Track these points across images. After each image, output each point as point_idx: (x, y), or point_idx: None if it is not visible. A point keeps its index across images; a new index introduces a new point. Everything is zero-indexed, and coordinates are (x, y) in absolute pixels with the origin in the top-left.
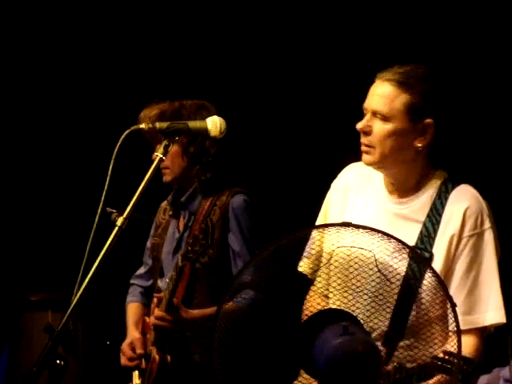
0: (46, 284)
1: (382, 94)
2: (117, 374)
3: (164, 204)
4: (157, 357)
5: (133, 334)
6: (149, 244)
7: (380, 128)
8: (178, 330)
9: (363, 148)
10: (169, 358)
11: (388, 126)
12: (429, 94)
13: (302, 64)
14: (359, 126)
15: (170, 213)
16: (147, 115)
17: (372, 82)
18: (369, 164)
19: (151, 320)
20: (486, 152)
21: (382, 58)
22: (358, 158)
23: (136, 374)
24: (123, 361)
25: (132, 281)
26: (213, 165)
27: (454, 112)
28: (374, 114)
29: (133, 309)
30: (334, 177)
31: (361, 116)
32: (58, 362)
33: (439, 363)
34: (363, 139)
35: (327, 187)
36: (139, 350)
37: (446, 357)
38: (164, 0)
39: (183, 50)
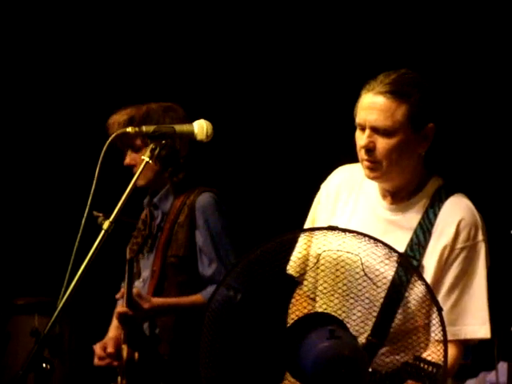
0: (32, 288)
1: (380, 108)
2: (103, 378)
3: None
4: (125, 354)
5: (109, 334)
6: None
7: (385, 143)
8: (143, 320)
9: (367, 164)
10: (136, 354)
11: (393, 141)
12: (426, 99)
13: (281, 61)
14: (362, 143)
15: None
16: (116, 121)
17: (354, 88)
18: (374, 179)
19: (116, 317)
20: (481, 158)
21: (364, 63)
22: (347, 160)
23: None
24: (95, 360)
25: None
26: (185, 165)
27: (451, 115)
28: (375, 129)
29: None
30: (322, 178)
31: (347, 117)
32: (44, 365)
33: (409, 369)
34: (366, 156)
35: (314, 188)
36: (110, 349)
37: (417, 362)
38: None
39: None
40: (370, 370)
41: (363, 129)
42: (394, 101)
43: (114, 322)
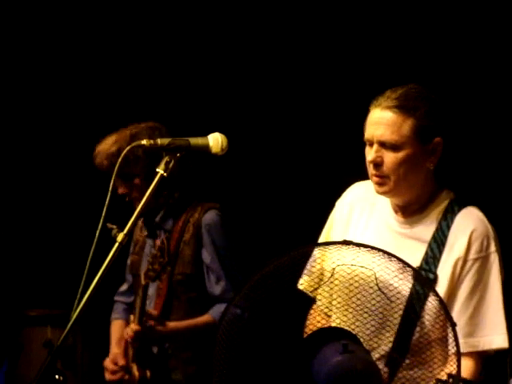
0: (45, 299)
1: (387, 123)
2: None
3: (140, 221)
4: (137, 373)
5: (113, 350)
6: (129, 261)
7: (392, 158)
8: (155, 343)
9: (375, 179)
10: (148, 373)
11: (400, 155)
12: (432, 113)
13: (291, 75)
14: (369, 158)
15: (146, 233)
16: (104, 152)
17: (363, 101)
18: (383, 194)
19: (125, 337)
20: (491, 170)
21: (377, 78)
22: (361, 177)
23: None
24: (107, 376)
25: (115, 298)
26: (178, 185)
27: (459, 128)
28: (382, 144)
29: (116, 326)
30: (336, 195)
31: (361, 133)
32: (57, 377)
33: None
34: (375, 171)
35: (327, 205)
36: (121, 362)
37: (450, 380)
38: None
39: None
40: None
41: (371, 144)
42: (400, 115)
43: (114, 339)
